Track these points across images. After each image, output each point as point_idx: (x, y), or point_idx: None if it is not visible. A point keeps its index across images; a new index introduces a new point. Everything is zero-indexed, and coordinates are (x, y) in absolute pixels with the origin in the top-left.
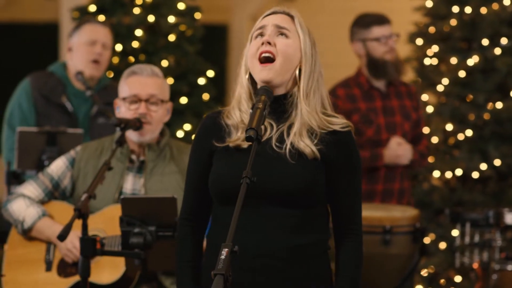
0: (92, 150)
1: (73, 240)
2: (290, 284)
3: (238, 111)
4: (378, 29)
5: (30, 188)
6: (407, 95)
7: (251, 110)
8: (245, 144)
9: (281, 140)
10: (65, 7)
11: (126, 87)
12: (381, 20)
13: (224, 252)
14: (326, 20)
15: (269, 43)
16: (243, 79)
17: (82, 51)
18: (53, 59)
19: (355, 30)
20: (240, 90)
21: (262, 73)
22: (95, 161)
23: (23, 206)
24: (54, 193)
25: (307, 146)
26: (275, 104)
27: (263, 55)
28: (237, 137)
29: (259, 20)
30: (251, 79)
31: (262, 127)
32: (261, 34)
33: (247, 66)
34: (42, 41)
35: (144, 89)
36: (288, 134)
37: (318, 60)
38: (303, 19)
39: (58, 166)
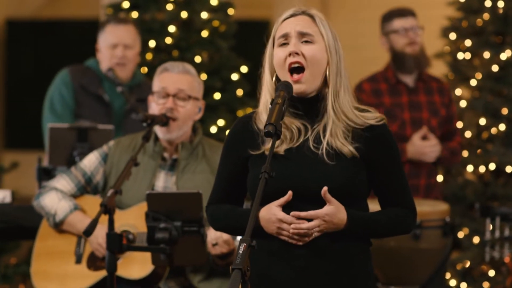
0: (125, 145)
1: (104, 235)
2: (333, 282)
3: (266, 115)
4: (398, 21)
5: (63, 182)
6: (438, 91)
7: (270, 106)
8: (281, 151)
9: (318, 141)
10: (105, 3)
11: (157, 82)
12: (402, 12)
13: (242, 247)
14: (371, 15)
15: (296, 53)
16: (269, 82)
17: (106, 54)
18: (95, 56)
19: (382, 24)
20: (266, 93)
21: (295, 86)
22: (127, 156)
23: (55, 199)
24: (87, 187)
25: (344, 145)
26: (308, 105)
27: (293, 66)
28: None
29: (278, 23)
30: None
31: (296, 128)
32: (285, 42)
33: (271, 69)
34: (84, 37)
35: (172, 83)
36: (324, 135)
37: (342, 53)
38: (348, 13)
39: (91, 161)
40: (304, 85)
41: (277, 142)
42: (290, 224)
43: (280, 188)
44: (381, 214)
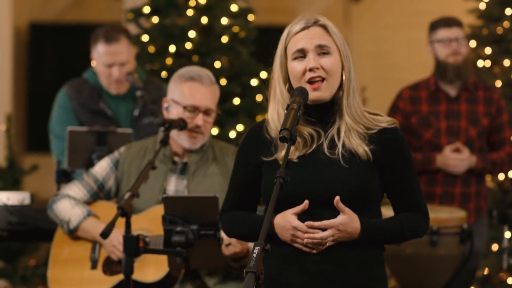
0: (136, 151)
1: (118, 237)
2: (345, 287)
3: (275, 124)
4: (443, 31)
5: (75, 189)
6: (485, 101)
7: (285, 111)
8: (294, 157)
9: (332, 145)
10: (126, 8)
11: (185, 92)
12: (447, 22)
13: (256, 250)
14: (393, 21)
15: (317, 68)
16: (283, 91)
17: (102, 72)
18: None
19: (429, 33)
20: (277, 103)
21: (315, 94)
22: (139, 162)
23: (69, 206)
24: (99, 194)
25: (359, 145)
26: (321, 112)
27: (313, 80)
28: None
29: (290, 34)
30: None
31: (309, 135)
32: (302, 56)
33: (284, 78)
34: None
35: (204, 101)
36: (339, 138)
37: (351, 57)
38: (371, 20)
39: (102, 168)
40: (323, 92)
41: (291, 149)
42: (304, 232)
43: (294, 193)
44: (394, 221)
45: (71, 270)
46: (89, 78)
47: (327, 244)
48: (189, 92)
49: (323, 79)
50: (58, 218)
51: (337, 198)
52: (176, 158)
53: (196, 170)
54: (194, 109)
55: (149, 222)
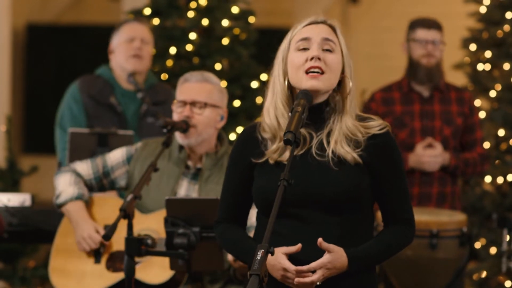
0: (152, 149)
1: (90, 230)
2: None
3: (270, 119)
4: (421, 31)
5: (84, 167)
6: (457, 101)
7: (289, 114)
8: (285, 160)
9: (321, 148)
10: (126, 10)
11: (178, 93)
12: (427, 23)
13: (260, 253)
14: (391, 24)
15: (319, 58)
16: (282, 85)
17: (122, 48)
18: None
19: (407, 31)
20: (276, 97)
21: (311, 82)
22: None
23: (67, 182)
24: (103, 180)
25: (348, 152)
26: (314, 113)
27: (313, 70)
28: (273, 149)
29: (298, 28)
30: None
31: (302, 136)
32: (306, 47)
33: (285, 72)
34: (105, 43)
35: (189, 93)
36: (328, 142)
37: (352, 65)
38: (369, 22)
39: (116, 156)
40: (320, 82)
41: (282, 150)
42: (294, 273)
43: (287, 195)
44: (381, 242)
45: (73, 261)
46: (102, 73)
47: (318, 283)
48: (180, 91)
49: (322, 72)
50: (56, 188)
51: (320, 239)
52: (190, 163)
53: (210, 177)
54: (183, 103)
55: (157, 223)
